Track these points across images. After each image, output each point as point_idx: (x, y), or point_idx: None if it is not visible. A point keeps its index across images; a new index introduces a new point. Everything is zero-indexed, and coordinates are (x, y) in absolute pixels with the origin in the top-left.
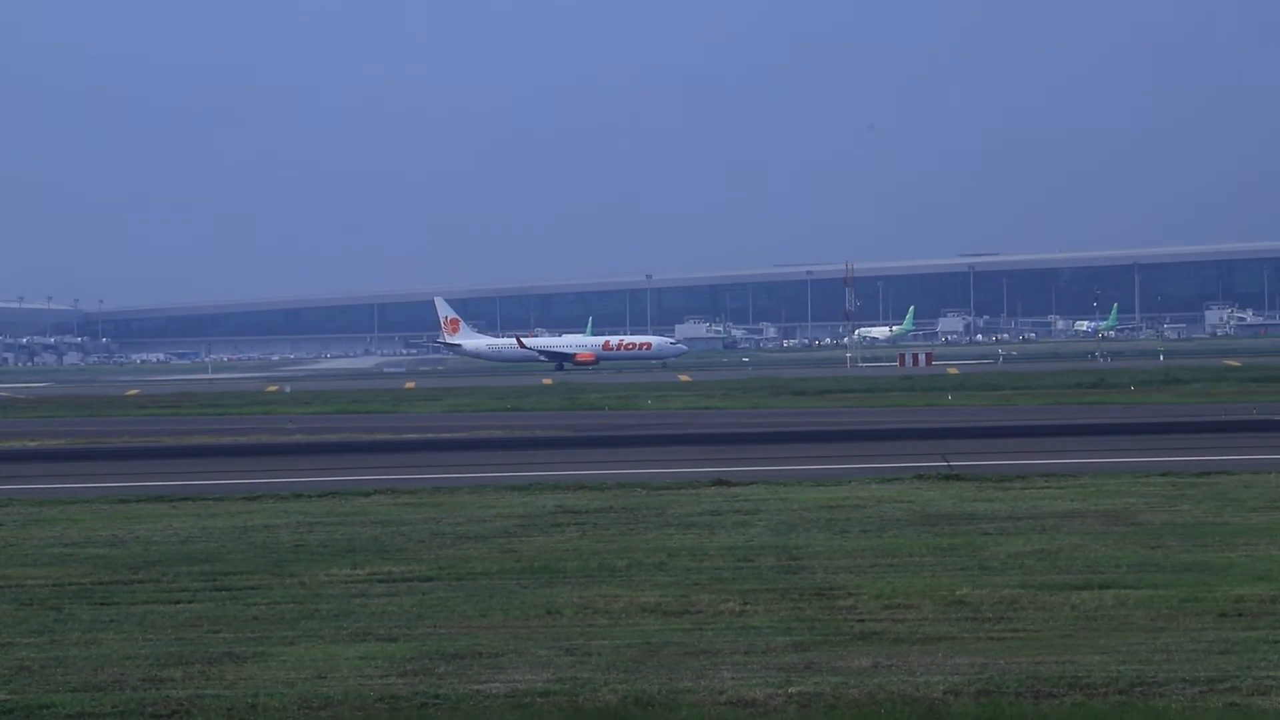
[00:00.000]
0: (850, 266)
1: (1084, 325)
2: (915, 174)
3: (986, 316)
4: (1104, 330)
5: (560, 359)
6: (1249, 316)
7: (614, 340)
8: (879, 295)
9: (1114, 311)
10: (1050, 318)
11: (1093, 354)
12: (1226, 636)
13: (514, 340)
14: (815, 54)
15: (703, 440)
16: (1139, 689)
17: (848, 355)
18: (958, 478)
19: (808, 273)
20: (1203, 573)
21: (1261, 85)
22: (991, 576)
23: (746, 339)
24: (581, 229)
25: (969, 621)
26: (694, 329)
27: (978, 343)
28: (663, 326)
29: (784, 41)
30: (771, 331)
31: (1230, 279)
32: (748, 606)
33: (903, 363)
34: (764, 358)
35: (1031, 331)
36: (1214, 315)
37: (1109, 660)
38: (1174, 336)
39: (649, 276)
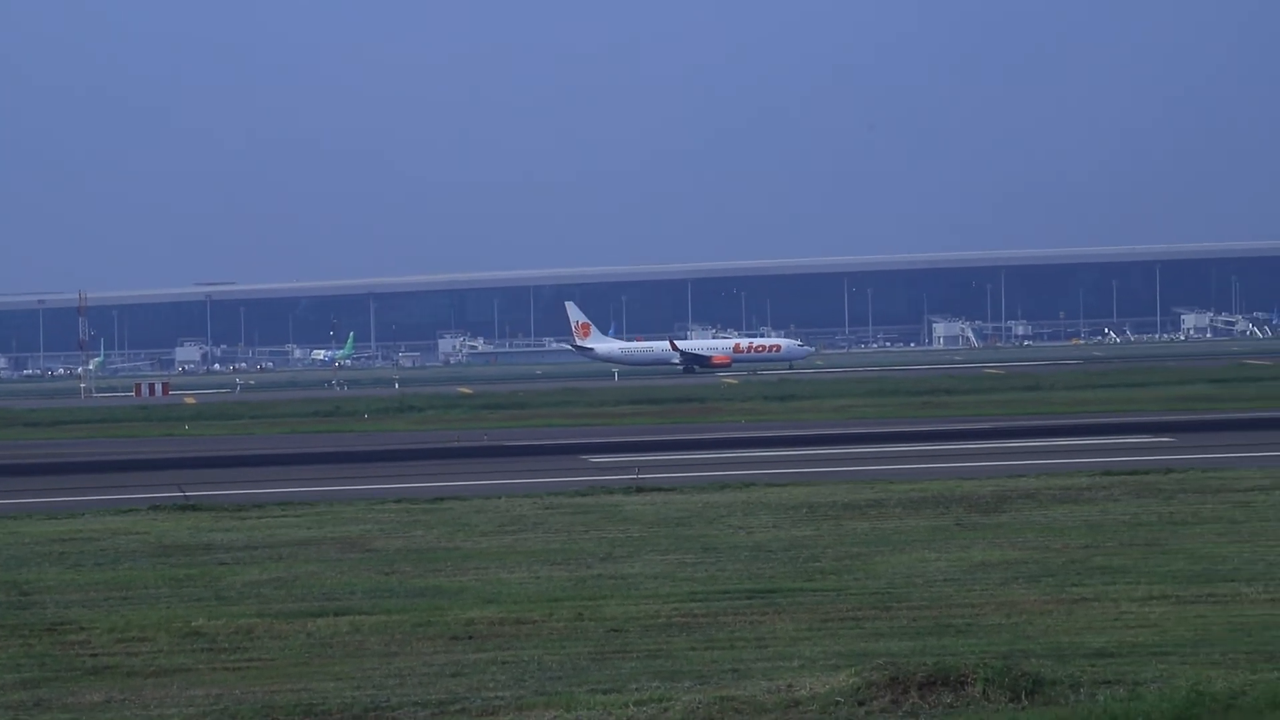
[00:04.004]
0: (84, 296)
1: (321, 354)
2: (152, 207)
3: (224, 346)
4: (341, 359)
5: (696, 361)
6: (480, 344)
7: (744, 343)
8: (114, 324)
9: (350, 340)
10: (288, 347)
11: (330, 382)
12: (457, 659)
13: (642, 343)
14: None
15: None
16: (373, 713)
17: (82, 385)
18: (195, 508)
19: (39, 302)
20: (436, 597)
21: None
22: (228, 606)
23: None
24: None
25: (205, 652)
26: None
27: (216, 372)
28: None
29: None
30: (1, 362)
31: (463, 308)
32: None
33: (139, 393)
34: None
35: (269, 361)
36: (447, 343)
37: (344, 686)
38: (409, 365)
39: None
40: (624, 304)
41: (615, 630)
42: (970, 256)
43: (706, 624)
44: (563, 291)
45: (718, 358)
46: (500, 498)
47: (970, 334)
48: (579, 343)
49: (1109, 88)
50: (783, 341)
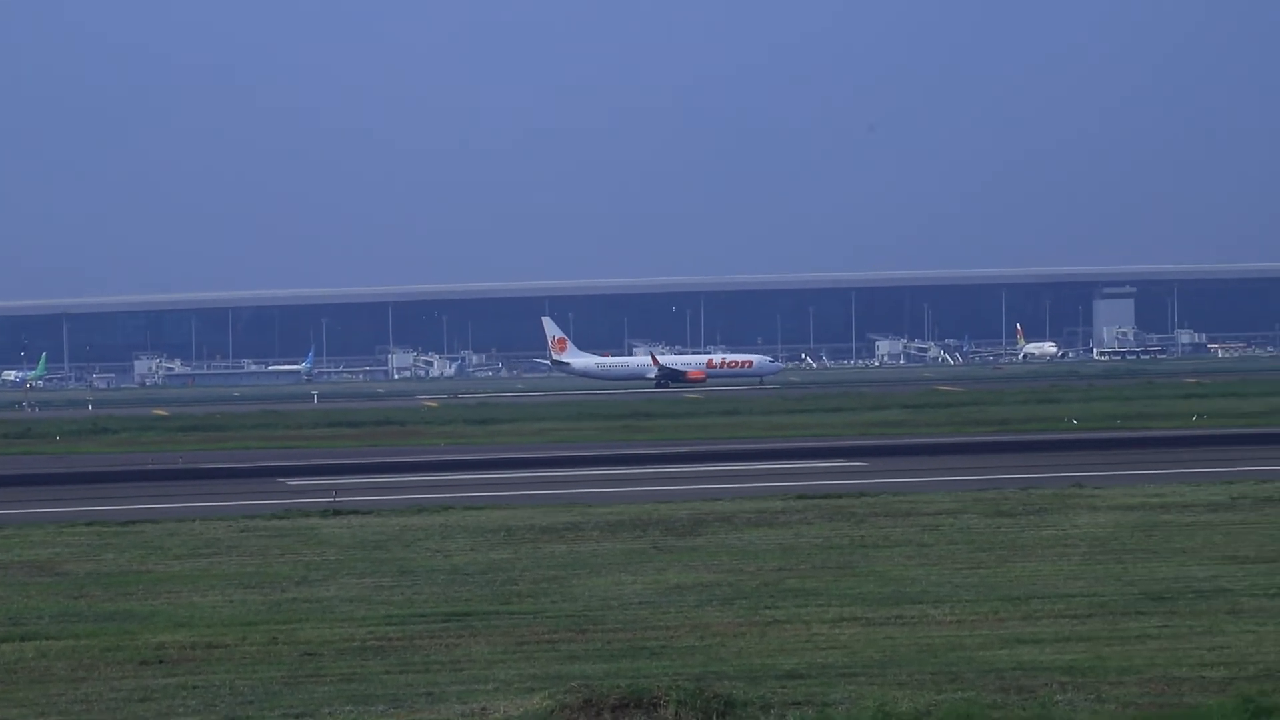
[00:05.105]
0: None
1: (12, 375)
2: None
3: None
4: (32, 380)
5: (672, 377)
6: (177, 366)
7: (718, 359)
8: None
9: (42, 361)
10: None
11: (21, 404)
12: (147, 684)
13: (617, 358)
14: None
15: None
16: None
17: None
18: None
19: None
20: (126, 621)
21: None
22: None
23: None
24: None
25: None
26: None
27: None
28: None
29: None
30: None
31: (160, 329)
32: None
33: None
34: None
35: None
36: (143, 365)
37: (28, 713)
38: (104, 386)
39: None
40: (324, 326)
41: (310, 654)
42: (670, 282)
43: (402, 647)
44: (262, 313)
45: (693, 373)
46: (195, 521)
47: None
48: (556, 357)
49: (826, 125)
50: (754, 357)
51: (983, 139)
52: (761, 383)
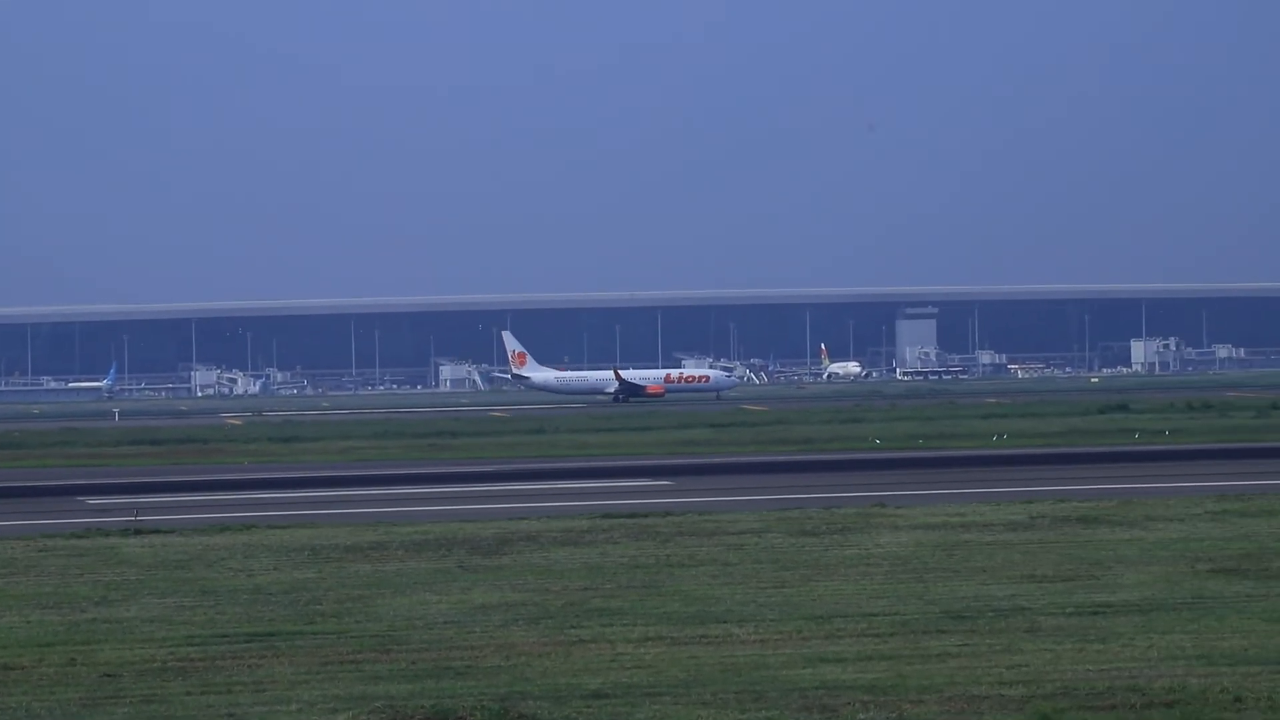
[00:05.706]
0: None
1: None
2: None
3: None
4: None
5: (632, 392)
6: None
7: (675, 374)
8: None
9: None
10: None
11: None
12: None
13: (576, 373)
14: None
15: None
16: None
17: None
18: None
19: None
20: None
21: None
22: None
23: None
24: None
25: None
26: None
27: None
28: None
29: None
30: None
31: None
32: None
33: None
34: None
35: None
36: None
37: None
38: None
39: None
40: (126, 343)
41: (109, 675)
42: (475, 300)
43: (204, 668)
44: (61, 330)
45: (652, 388)
46: None
47: (477, 377)
48: (516, 371)
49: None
50: (711, 372)
51: (791, 163)
52: (718, 397)
